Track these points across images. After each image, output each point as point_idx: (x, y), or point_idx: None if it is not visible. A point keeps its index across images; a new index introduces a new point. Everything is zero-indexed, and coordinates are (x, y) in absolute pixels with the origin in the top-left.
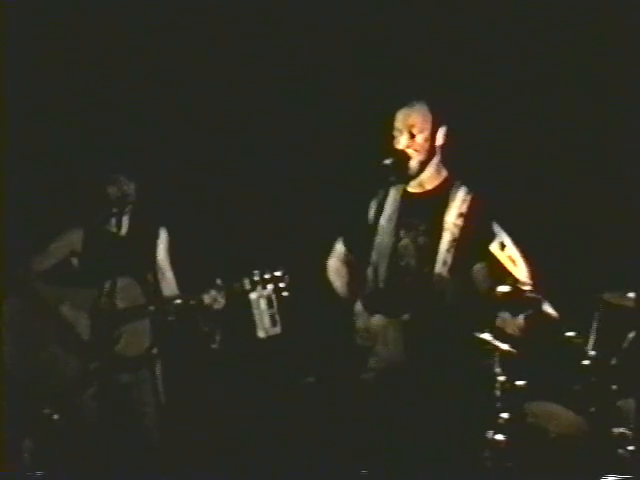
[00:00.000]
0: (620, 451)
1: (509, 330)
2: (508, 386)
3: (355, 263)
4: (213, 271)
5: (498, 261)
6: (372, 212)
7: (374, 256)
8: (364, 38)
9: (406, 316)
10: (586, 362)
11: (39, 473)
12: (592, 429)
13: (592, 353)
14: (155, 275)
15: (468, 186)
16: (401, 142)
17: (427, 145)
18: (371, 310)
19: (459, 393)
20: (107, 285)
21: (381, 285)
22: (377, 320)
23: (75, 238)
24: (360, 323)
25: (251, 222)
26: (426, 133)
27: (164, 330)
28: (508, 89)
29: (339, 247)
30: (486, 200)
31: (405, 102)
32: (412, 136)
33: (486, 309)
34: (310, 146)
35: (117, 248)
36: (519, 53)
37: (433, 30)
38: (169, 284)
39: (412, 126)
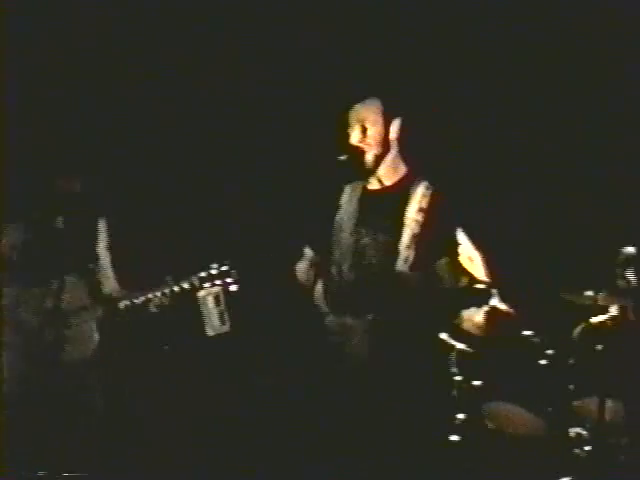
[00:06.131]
0: (576, 451)
1: (465, 328)
2: (465, 386)
3: (322, 264)
4: (159, 268)
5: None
6: (331, 210)
7: (336, 255)
8: (313, 34)
9: (370, 315)
10: (543, 362)
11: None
12: (549, 429)
13: (549, 352)
14: (97, 273)
15: (429, 181)
16: (353, 137)
17: (380, 139)
18: (337, 310)
19: (419, 393)
20: (54, 284)
21: (345, 285)
22: (344, 320)
23: (15, 233)
24: (327, 323)
25: (194, 214)
26: (378, 126)
27: (111, 332)
28: (464, 79)
29: (307, 251)
30: (446, 195)
31: (360, 98)
32: (364, 130)
33: (447, 306)
34: (261, 140)
35: (60, 244)
36: (477, 37)
37: (386, 21)
38: (109, 282)
39: (363, 120)
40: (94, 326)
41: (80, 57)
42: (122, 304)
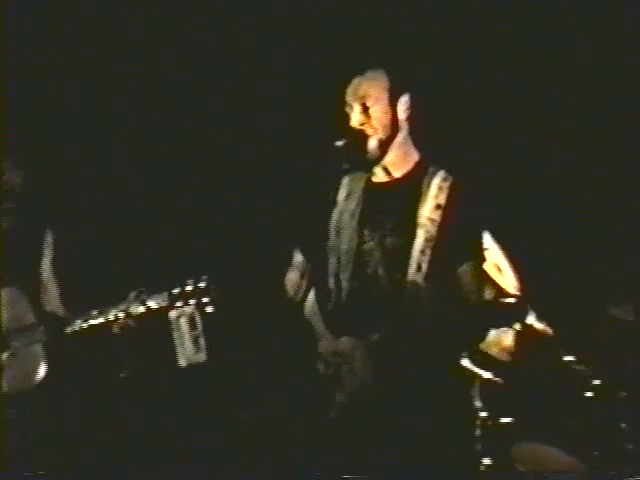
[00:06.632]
0: None
1: (492, 353)
2: (491, 424)
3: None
4: (123, 283)
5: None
6: (326, 208)
7: (334, 263)
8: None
9: (375, 335)
10: (588, 394)
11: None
12: (596, 478)
13: (596, 383)
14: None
15: (446, 170)
16: (354, 118)
17: (386, 119)
18: (335, 330)
19: (434, 433)
20: None
21: (344, 299)
22: (344, 342)
23: None
24: (324, 348)
25: (167, 221)
26: (383, 104)
27: (61, 358)
28: (486, 44)
29: (297, 258)
30: (469, 188)
31: (360, 70)
32: (366, 109)
33: (470, 326)
34: (241, 124)
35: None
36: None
37: None
38: (51, 299)
39: (365, 97)
40: (40, 351)
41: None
42: (77, 325)
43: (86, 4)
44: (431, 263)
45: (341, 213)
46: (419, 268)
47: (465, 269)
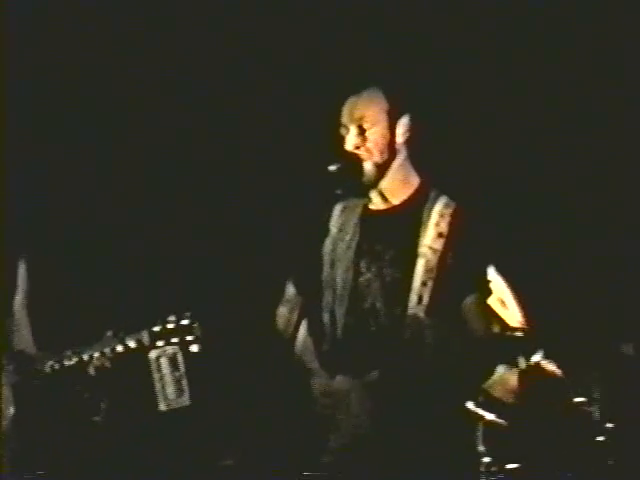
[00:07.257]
0: None
1: (496, 393)
2: (495, 470)
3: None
4: (98, 320)
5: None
6: (319, 238)
7: (328, 297)
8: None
9: (373, 374)
10: (601, 438)
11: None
12: None
13: (609, 426)
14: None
15: (449, 196)
16: (349, 141)
17: (383, 143)
18: (330, 368)
19: (438, 476)
20: None
21: (340, 335)
22: (339, 382)
23: None
24: (318, 387)
25: (148, 254)
26: (381, 126)
27: (31, 401)
28: (489, 62)
29: (289, 291)
30: (472, 214)
31: (356, 89)
32: (362, 132)
33: (475, 364)
34: (228, 146)
35: None
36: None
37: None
38: (23, 336)
39: (361, 118)
40: (9, 394)
41: None
42: (48, 365)
43: (86, 4)
44: (433, 295)
45: (336, 243)
46: (420, 300)
47: (469, 302)
